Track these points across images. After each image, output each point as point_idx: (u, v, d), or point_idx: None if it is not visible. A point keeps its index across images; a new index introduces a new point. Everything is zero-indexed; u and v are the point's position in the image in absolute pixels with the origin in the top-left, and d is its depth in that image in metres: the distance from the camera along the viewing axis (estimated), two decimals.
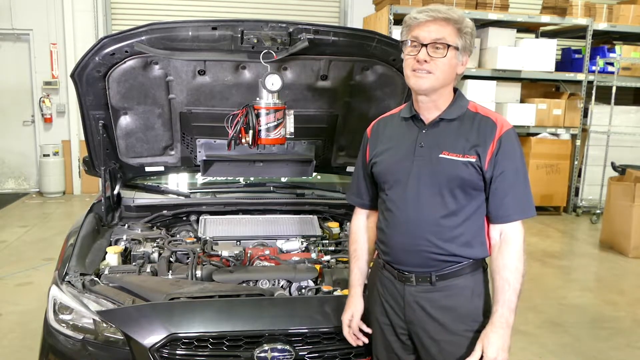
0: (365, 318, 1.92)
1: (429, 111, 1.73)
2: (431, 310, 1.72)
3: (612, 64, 7.81)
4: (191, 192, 3.23)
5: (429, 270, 1.71)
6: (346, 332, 1.92)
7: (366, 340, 1.91)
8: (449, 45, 1.62)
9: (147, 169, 3.04)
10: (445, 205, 1.68)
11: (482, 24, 7.65)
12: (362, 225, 1.98)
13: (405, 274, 1.75)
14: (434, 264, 1.71)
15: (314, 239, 2.77)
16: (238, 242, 2.74)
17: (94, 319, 2.00)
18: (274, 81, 2.32)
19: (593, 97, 7.63)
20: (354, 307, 1.91)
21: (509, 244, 1.68)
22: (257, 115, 2.35)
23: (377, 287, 1.86)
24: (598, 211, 7.42)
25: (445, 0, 7.08)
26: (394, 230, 1.75)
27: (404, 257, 1.74)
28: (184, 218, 3.01)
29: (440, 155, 1.68)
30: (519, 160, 1.68)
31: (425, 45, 1.62)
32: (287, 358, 1.93)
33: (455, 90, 1.76)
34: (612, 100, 7.42)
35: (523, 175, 1.69)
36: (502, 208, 1.67)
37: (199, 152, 2.94)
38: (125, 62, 2.48)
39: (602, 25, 7.85)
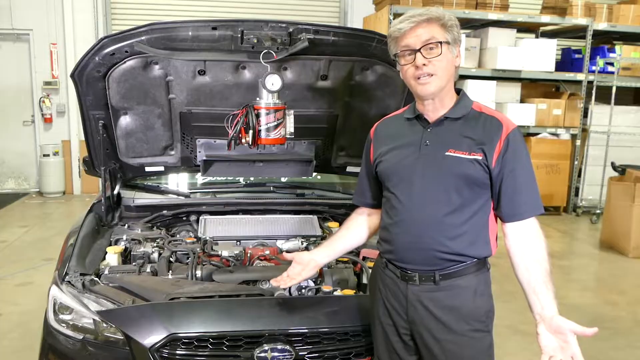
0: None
1: (434, 111, 1.74)
2: (434, 309, 1.72)
3: (612, 64, 7.81)
4: (191, 192, 3.23)
5: (433, 269, 1.71)
6: (286, 274, 1.94)
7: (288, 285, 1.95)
8: (440, 42, 1.64)
9: (147, 169, 3.03)
10: (451, 203, 1.68)
11: (482, 24, 7.65)
12: (355, 217, 2.01)
13: (409, 272, 1.74)
14: (438, 263, 1.70)
15: (314, 239, 2.77)
16: (238, 242, 2.74)
17: (94, 319, 2.00)
18: (274, 81, 2.32)
19: (593, 97, 7.63)
20: (310, 256, 1.95)
21: (535, 238, 1.68)
22: (257, 115, 2.35)
23: (379, 287, 1.86)
24: (598, 211, 7.42)
25: (445, 1, 7.09)
26: (399, 228, 1.75)
27: (408, 255, 1.74)
28: (184, 218, 3.01)
29: (446, 153, 1.68)
30: (526, 159, 1.71)
31: (419, 50, 1.64)
32: (287, 358, 1.93)
33: (459, 90, 1.77)
34: (612, 100, 7.42)
35: (531, 173, 1.71)
36: (516, 206, 1.68)
37: (199, 152, 2.94)
38: (125, 62, 2.48)
39: (602, 25, 7.85)
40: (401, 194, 1.75)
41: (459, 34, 1.71)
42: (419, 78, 1.66)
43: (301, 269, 1.94)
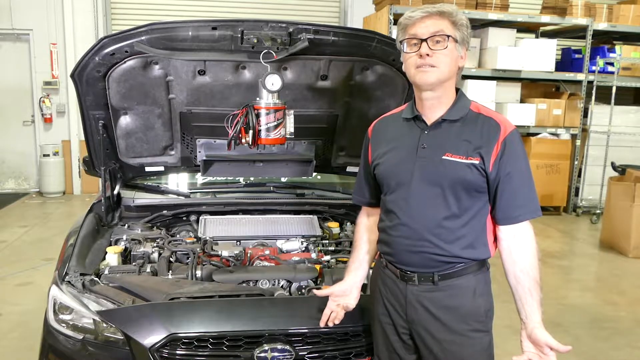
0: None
1: (432, 110, 1.72)
2: (433, 309, 1.72)
3: (612, 64, 7.81)
4: (191, 192, 3.23)
5: (432, 270, 1.71)
6: (331, 304, 1.93)
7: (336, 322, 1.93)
8: (448, 36, 1.63)
9: (147, 169, 3.03)
10: (448, 207, 1.67)
11: (482, 24, 7.65)
12: (364, 223, 2.00)
13: (408, 273, 1.74)
14: (436, 265, 1.70)
15: (314, 239, 2.77)
16: (238, 242, 2.74)
17: (94, 319, 2.00)
18: (274, 81, 2.32)
19: (593, 97, 7.63)
20: (347, 285, 1.93)
21: (527, 244, 1.68)
22: (257, 115, 2.34)
23: (379, 286, 1.86)
24: (598, 211, 7.42)
25: (445, 1, 7.09)
26: (397, 231, 1.74)
27: (407, 257, 1.74)
28: (184, 218, 3.01)
29: (444, 157, 1.67)
30: (523, 161, 1.69)
31: (425, 40, 1.63)
32: (287, 358, 1.93)
33: (457, 90, 1.76)
34: (612, 100, 7.42)
35: (528, 176, 1.69)
36: (511, 209, 1.67)
37: (199, 152, 2.94)
38: (125, 62, 2.48)
39: (602, 25, 7.85)
40: (398, 197, 1.74)
41: (468, 36, 1.69)
42: (419, 67, 1.65)
43: (345, 300, 1.92)
